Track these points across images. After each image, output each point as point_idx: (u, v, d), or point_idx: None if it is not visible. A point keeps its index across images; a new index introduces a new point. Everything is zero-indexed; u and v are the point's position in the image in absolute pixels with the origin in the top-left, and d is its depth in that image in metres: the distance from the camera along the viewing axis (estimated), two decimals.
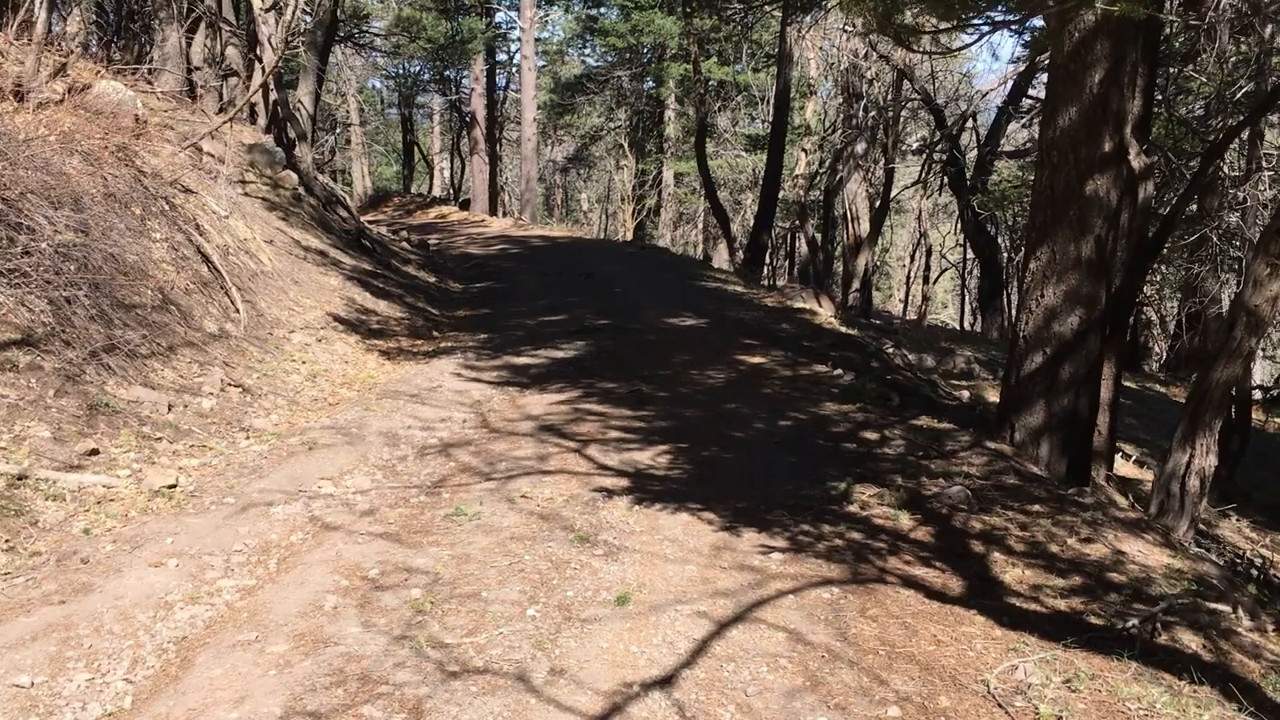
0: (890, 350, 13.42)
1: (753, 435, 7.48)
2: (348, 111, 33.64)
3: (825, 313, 14.27)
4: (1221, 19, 10.44)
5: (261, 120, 15.81)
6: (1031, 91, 22.93)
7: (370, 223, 25.39)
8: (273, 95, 15.35)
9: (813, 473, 6.56)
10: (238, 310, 9.52)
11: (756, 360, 10.23)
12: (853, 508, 5.92)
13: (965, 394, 11.33)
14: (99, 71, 11.64)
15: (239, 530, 5.38)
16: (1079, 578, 4.94)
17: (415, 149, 34.35)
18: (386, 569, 4.85)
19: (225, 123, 11.79)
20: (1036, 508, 5.98)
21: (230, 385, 8.16)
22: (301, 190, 14.48)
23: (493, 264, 18.22)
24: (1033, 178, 21.24)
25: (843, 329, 13.19)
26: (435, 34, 22.20)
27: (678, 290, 15.35)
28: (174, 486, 6.04)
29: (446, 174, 36.65)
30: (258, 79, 12.71)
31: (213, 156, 13.44)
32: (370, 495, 6.05)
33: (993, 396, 14.72)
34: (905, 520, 5.72)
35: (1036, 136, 22.57)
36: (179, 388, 7.65)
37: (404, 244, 18.52)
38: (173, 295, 8.79)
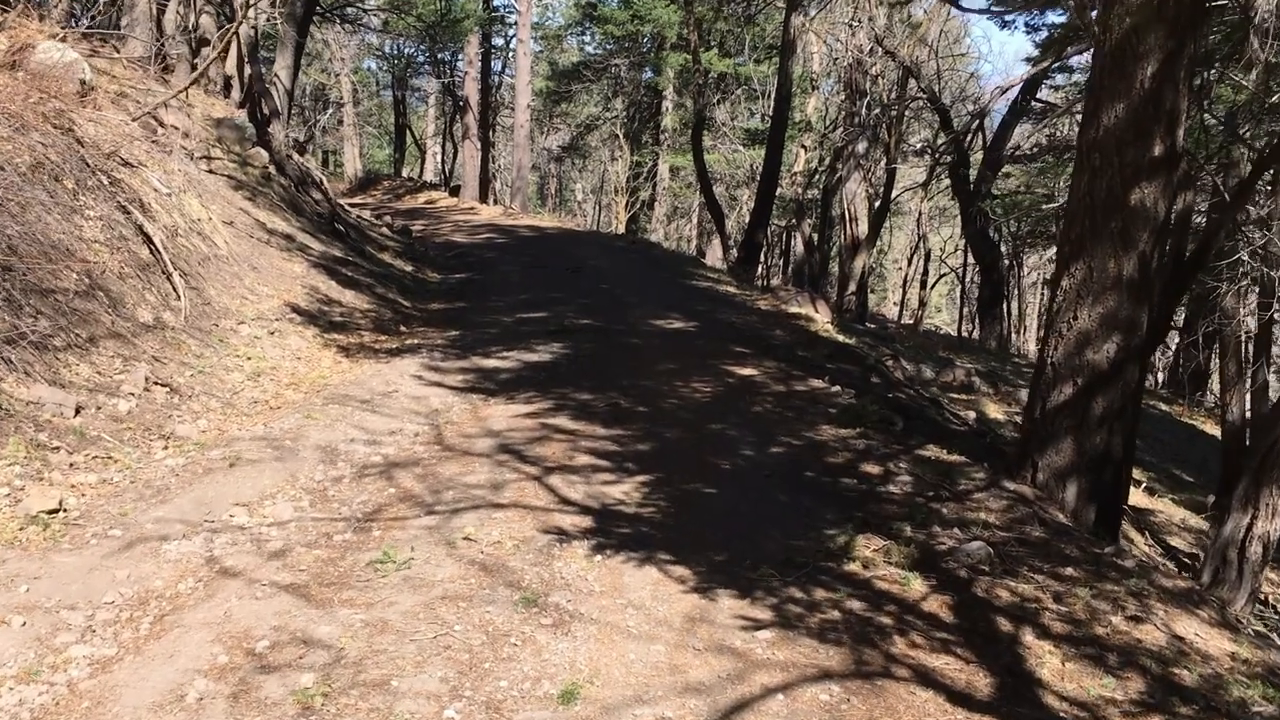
0: (889, 362, 12.46)
1: (740, 464, 6.49)
2: (340, 92, 32.49)
3: (821, 319, 13.30)
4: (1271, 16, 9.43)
5: (236, 94, 14.74)
6: (1041, 94, 21.97)
7: (356, 205, 24.31)
8: (247, 69, 14.29)
9: (807, 516, 5.58)
10: (179, 298, 8.49)
11: (747, 372, 9.25)
12: (854, 566, 4.93)
13: (971, 414, 10.37)
14: (56, 34, 10.60)
15: (116, 574, 4.38)
16: (1136, 677, 3.96)
17: (407, 132, 33.18)
18: (281, 639, 3.86)
19: (181, 92, 10.75)
20: (1070, 570, 5.01)
21: (156, 384, 7.14)
22: (272, 169, 13.43)
23: (476, 254, 17.19)
24: (1038, 186, 20.04)
25: (840, 337, 12.22)
26: (426, 11, 21.09)
27: (667, 289, 14.36)
28: (56, 511, 5.03)
29: (439, 159, 35.49)
30: (223, 47, 11.66)
31: (177, 130, 12.38)
32: (288, 529, 5.05)
33: (994, 413, 13.77)
34: (917, 585, 4.73)
35: (1046, 140, 21.56)
36: (94, 386, 6.63)
37: (384, 229, 17.47)
38: (103, 280, 7.76)
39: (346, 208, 17.96)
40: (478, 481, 5.82)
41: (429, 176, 34.71)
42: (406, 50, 29.20)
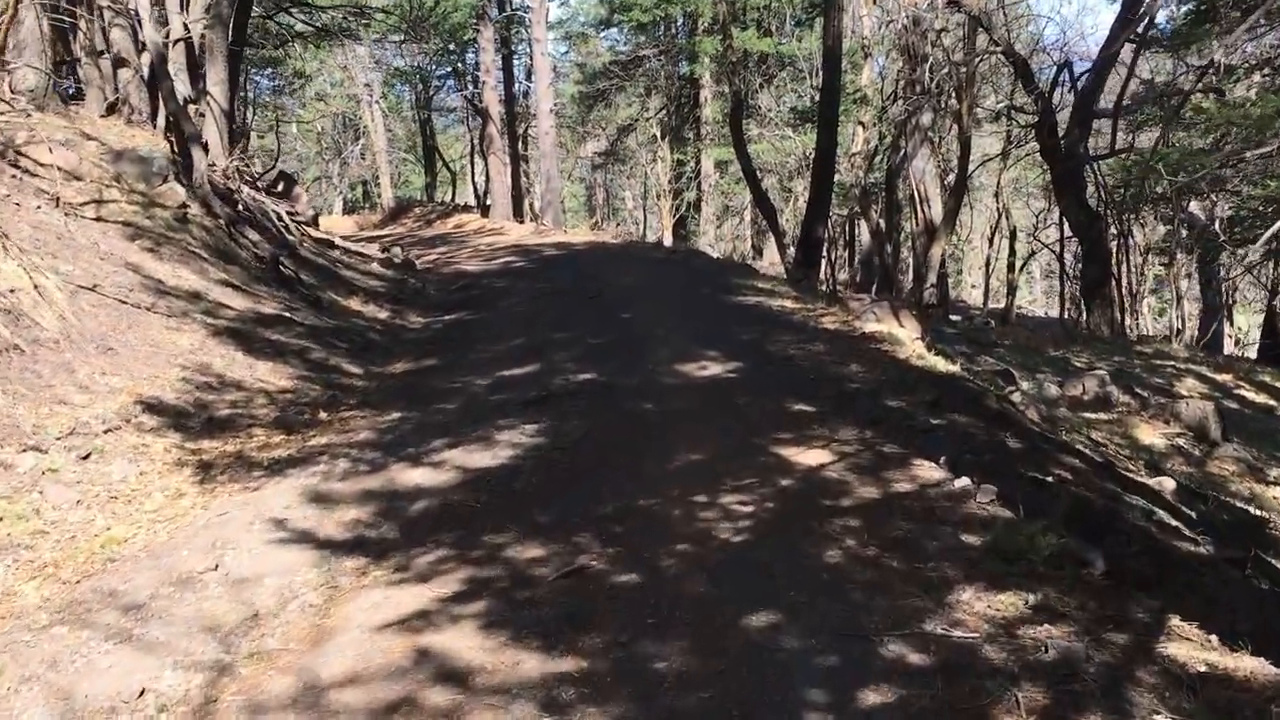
0: (1013, 393, 8.52)
1: None
2: (368, 120, 29.37)
3: (909, 337, 9.38)
4: None
5: (161, 121, 11.46)
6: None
7: (380, 237, 20.98)
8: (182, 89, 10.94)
9: None
10: None
11: (814, 458, 5.48)
12: None
13: (1167, 484, 6.40)
14: None
15: None
16: None
17: (436, 154, 29.88)
18: None
19: None
20: None
21: None
22: (194, 208, 10.06)
23: (484, 284, 13.64)
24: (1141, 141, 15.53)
25: (940, 365, 8.31)
26: (403, 12, 17.56)
27: (707, 311, 10.62)
28: None
29: (472, 179, 32.20)
30: (6, 27, 8.35)
31: (62, 170, 9.14)
32: None
33: (1147, 437, 9.67)
34: None
35: (1142, 88, 17.15)
36: None
37: (375, 264, 14.03)
38: None
39: (337, 242, 14.53)
40: None
41: (470, 199, 31.42)
42: (425, 65, 25.87)
